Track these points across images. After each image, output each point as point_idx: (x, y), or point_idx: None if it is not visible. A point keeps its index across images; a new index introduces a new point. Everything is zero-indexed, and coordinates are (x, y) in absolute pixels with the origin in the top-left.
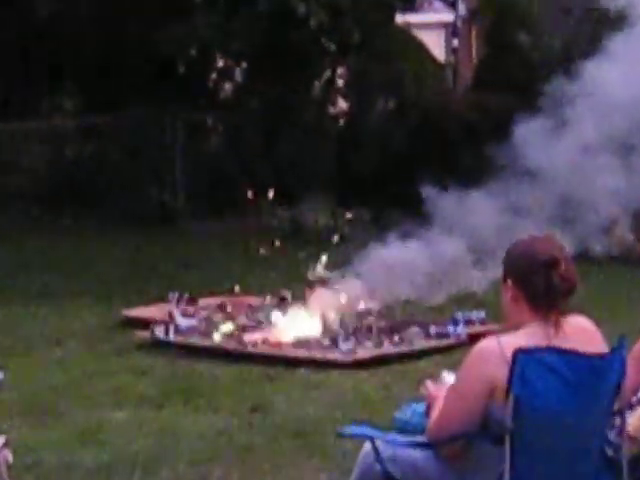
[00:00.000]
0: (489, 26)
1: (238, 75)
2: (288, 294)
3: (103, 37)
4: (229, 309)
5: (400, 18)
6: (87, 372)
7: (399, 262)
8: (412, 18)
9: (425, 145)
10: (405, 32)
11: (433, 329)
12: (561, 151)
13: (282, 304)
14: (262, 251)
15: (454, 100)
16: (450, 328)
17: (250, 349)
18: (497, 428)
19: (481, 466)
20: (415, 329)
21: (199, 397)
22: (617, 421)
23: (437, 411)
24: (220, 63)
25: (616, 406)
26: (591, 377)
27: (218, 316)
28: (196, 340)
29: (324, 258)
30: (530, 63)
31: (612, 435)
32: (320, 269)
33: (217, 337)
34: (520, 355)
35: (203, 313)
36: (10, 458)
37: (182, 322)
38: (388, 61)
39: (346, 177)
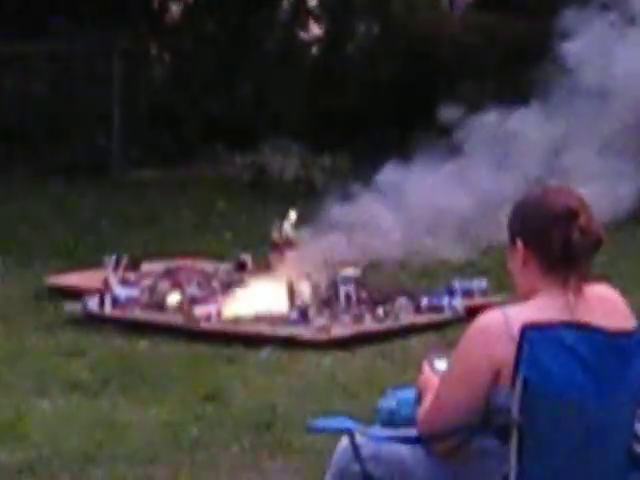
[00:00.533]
0: None
1: None
2: (248, 258)
3: None
4: (177, 276)
5: None
6: (4, 352)
7: (385, 218)
8: None
9: (416, 77)
10: None
11: (424, 301)
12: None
13: (241, 270)
14: (217, 206)
15: (451, 22)
16: (445, 300)
17: (203, 325)
18: (502, 419)
19: (482, 465)
20: (403, 301)
21: (141, 383)
22: None
23: (430, 399)
24: None
25: None
26: (615, 358)
27: (164, 285)
28: (137, 314)
29: (292, 214)
30: None
31: None
32: (287, 228)
33: (163, 310)
34: (530, 331)
35: (146, 281)
36: None
37: (120, 292)
38: None
39: (319, 116)
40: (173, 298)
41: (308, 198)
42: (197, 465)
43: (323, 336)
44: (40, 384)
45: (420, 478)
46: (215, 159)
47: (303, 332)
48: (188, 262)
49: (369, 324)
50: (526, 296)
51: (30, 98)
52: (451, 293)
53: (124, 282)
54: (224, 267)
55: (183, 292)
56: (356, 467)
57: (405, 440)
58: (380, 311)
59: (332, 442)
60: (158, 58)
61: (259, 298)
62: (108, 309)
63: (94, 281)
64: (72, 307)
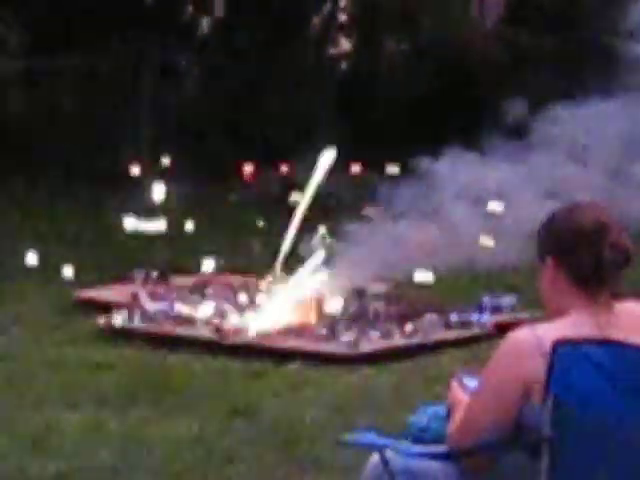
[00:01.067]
0: None
1: (218, 8)
2: (277, 273)
3: None
4: (207, 291)
5: None
6: (34, 366)
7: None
8: None
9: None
10: None
11: (454, 317)
12: None
13: (270, 285)
14: (247, 220)
15: (481, 37)
16: (474, 316)
17: (232, 340)
18: (532, 436)
19: None
20: (432, 316)
21: (170, 397)
22: None
23: (460, 415)
24: None
25: None
26: None
27: (193, 299)
28: (167, 328)
29: (322, 229)
30: None
31: None
32: (317, 242)
33: (192, 324)
34: (561, 348)
35: (175, 295)
36: None
37: (150, 306)
38: None
39: (350, 131)
40: (202, 312)
41: (338, 213)
42: (226, 479)
43: (352, 351)
44: (70, 397)
45: None
46: (244, 175)
47: (332, 347)
48: (218, 276)
49: (398, 340)
50: (556, 313)
51: (59, 113)
52: (480, 309)
53: (153, 296)
54: (253, 281)
55: (213, 306)
56: None
57: (436, 456)
58: (409, 327)
59: (362, 458)
60: (188, 72)
61: (288, 313)
62: (137, 323)
63: (124, 295)
64: (102, 321)
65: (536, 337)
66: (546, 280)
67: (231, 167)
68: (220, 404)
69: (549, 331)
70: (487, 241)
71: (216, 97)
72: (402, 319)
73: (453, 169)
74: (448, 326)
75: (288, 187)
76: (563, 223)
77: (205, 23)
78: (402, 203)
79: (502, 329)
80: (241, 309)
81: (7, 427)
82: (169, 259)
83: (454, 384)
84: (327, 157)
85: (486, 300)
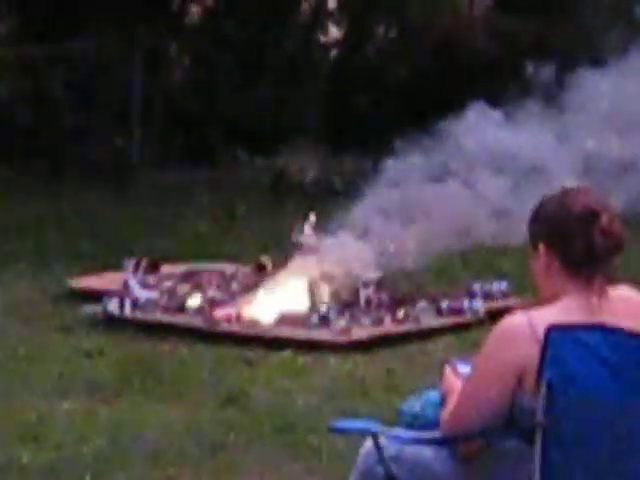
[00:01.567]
0: None
1: None
2: (268, 261)
3: None
4: (197, 279)
5: None
6: (26, 354)
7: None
8: None
9: (435, 80)
10: None
11: (445, 304)
12: None
13: (261, 273)
14: (237, 208)
15: (471, 25)
16: (465, 303)
17: (223, 327)
18: (526, 421)
19: (506, 467)
20: (423, 303)
21: (162, 385)
22: None
23: (454, 401)
24: None
25: None
26: None
27: (184, 287)
28: (157, 316)
29: (312, 217)
30: None
31: None
32: (307, 230)
33: (183, 312)
34: (554, 333)
35: (166, 283)
36: None
37: (141, 294)
38: None
39: (339, 119)
40: (193, 300)
41: (328, 200)
42: (218, 467)
43: (344, 338)
44: (61, 386)
45: (444, 479)
46: (235, 161)
47: (324, 334)
48: (208, 264)
49: (389, 327)
50: (549, 299)
51: (48, 98)
52: (472, 295)
53: (144, 284)
54: (244, 269)
55: (203, 294)
56: (380, 469)
57: (429, 442)
58: (400, 314)
59: (354, 444)
60: (177, 60)
61: (279, 300)
62: (128, 311)
63: (114, 283)
64: (92, 309)
65: (529, 322)
66: (538, 266)
67: (221, 153)
68: (212, 392)
69: (542, 316)
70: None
71: (205, 84)
72: (393, 306)
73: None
74: (440, 313)
75: (278, 174)
76: (554, 209)
77: (194, 10)
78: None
79: (494, 315)
80: (232, 297)
81: None
82: (161, 247)
83: (447, 370)
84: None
85: (477, 286)
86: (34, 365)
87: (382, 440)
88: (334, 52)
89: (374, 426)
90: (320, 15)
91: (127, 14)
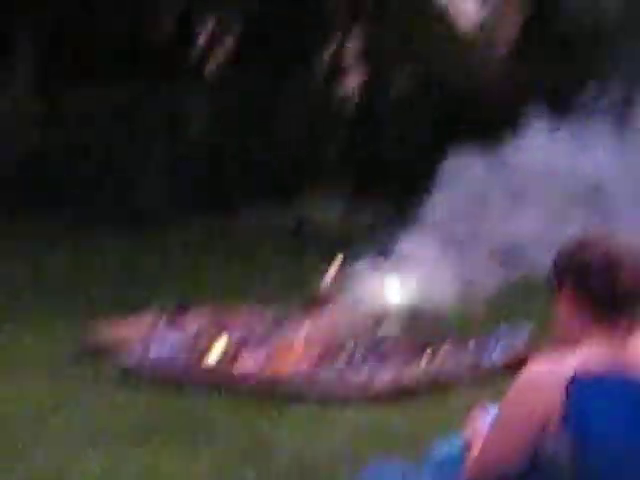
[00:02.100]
0: None
1: (226, 51)
2: (290, 308)
3: None
4: (221, 325)
5: None
6: (50, 405)
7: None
8: None
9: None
10: None
11: (467, 353)
12: None
13: (283, 320)
14: (260, 255)
15: (489, 72)
16: (487, 351)
17: (244, 379)
18: (551, 468)
19: None
20: (445, 351)
21: (185, 436)
22: None
23: (479, 447)
24: (205, 33)
25: None
26: None
27: (206, 336)
28: (179, 368)
29: (336, 264)
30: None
31: None
32: (329, 278)
33: (207, 361)
34: (579, 380)
35: (190, 330)
36: None
37: (165, 342)
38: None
39: (361, 166)
40: (215, 351)
41: (350, 247)
42: None
43: (365, 390)
44: (85, 437)
45: None
46: (258, 209)
47: (345, 385)
48: (231, 311)
49: (411, 376)
50: (572, 344)
51: (74, 148)
52: (493, 344)
53: (169, 331)
54: (267, 316)
55: (225, 344)
56: None
57: None
58: (421, 364)
59: None
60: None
61: (302, 348)
62: (150, 363)
63: (139, 331)
64: (116, 360)
65: (553, 369)
66: (562, 311)
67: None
68: (235, 442)
69: (566, 363)
70: None
71: (226, 134)
72: (414, 356)
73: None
74: (461, 362)
75: (300, 221)
76: (578, 253)
77: (214, 63)
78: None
79: (517, 363)
80: (256, 344)
81: (24, 467)
82: (185, 292)
83: (474, 415)
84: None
85: (499, 335)
86: (59, 416)
87: None
88: (354, 100)
89: (404, 467)
90: (337, 67)
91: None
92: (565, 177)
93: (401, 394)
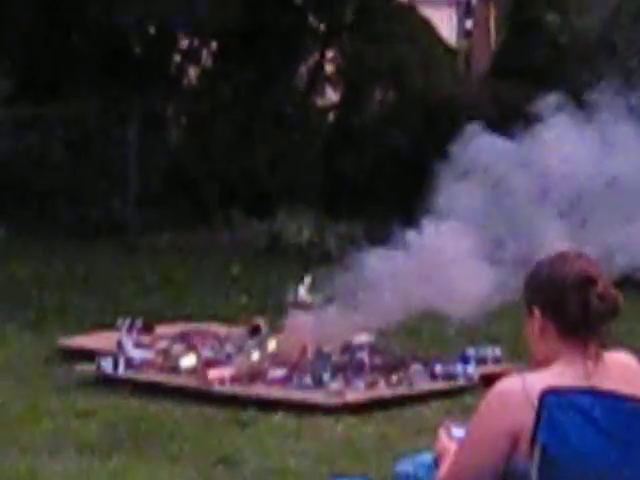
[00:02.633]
0: (510, 4)
1: (205, 58)
2: (263, 323)
3: (41, 6)
4: (191, 340)
5: None
6: (18, 413)
7: (399, 284)
8: None
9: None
10: (408, 9)
11: (439, 368)
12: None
13: (255, 334)
14: (232, 270)
15: (467, 91)
16: (459, 367)
17: (216, 388)
18: None
19: None
20: (417, 367)
21: (154, 445)
22: None
23: (448, 464)
24: (184, 43)
25: None
26: (636, 426)
27: (178, 348)
28: (151, 376)
29: (307, 279)
30: (559, 48)
31: None
32: (302, 292)
33: (177, 373)
34: (548, 397)
35: (160, 344)
36: None
37: (134, 354)
38: (388, 43)
39: (335, 183)
40: (187, 361)
41: (323, 264)
42: None
43: (337, 401)
44: (53, 445)
45: None
46: (231, 224)
47: (317, 397)
48: (202, 326)
49: (383, 390)
50: (543, 364)
51: (46, 161)
52: (465, 360)
53: (138, 344)
54: (238, 331)
55: (197, 355)
56: None
57: None
58: (394, 377)
59: None
60: (175, 122)
61: (273, 362)
62: (121, 371)
63: (108, 343)
64: (85, 368)
65: (524, 386)
66: (533, 331)
67: (217, 215)
68: (204, 453)
69: (537, 381)
70: None
71: (202, 146)
72: (387, 369)
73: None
74: (433, 377)
75: (273, 237)
76: (549, 274)
77: (192, 73)
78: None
79: (487, 380)
80: (226, 358)
81: None
82: (155, 307)
83: (441, 433)
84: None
85: (470, 351)
86: (25, 425)
87: None
88: (331, 116)
89: None
90: (317, 78)
91: (126, 75)
92: (585, 174)
93: (374, 405)
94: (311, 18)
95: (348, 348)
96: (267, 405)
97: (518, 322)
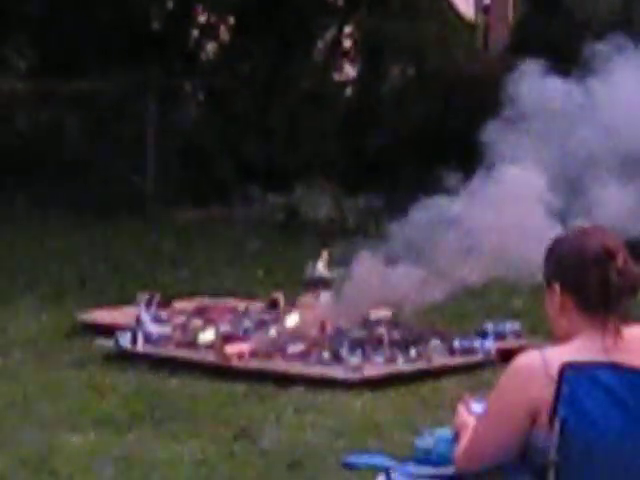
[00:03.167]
0: None
1: (223, 33)
2: (281, 297)
3: None
4: (210, 314)
5: None
6: (36, 388)
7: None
8: None
9: (450, 120)
10: None
11: (457, 343)
12: None
13: (274, 309)
14: (250, 246)
15: (485, 66)
16: (477, 342)
17: (235, 363)
18: (539, 459)
19: None
20: (435, 342)
21: (172, 420)
22: None
23: (467, 438)
24: (202, 18)
25: None
26: None
27: (196, 322)
28: (169, 351)
29: (325, 254)
30: (577, 23)
31: None
32: (320, 268)
33: (195, 348)
34: (568, 371)
35: (178, 319)
36: None
37: (153, 329)
38: (405, 19)
39: (353, 157)
40: (205, 336)
41: (341, 238)
42: None
43: (356, 376)
44: (72, 419)
45: None
46: (248, 199)
47: (336, 372)
48: (220, 301)
49: (402, 365)
50: (563, 339)
51: (64, 135)
52: (484, 335)
53: (156, 319)
54: (256, 306)
55: (216, 330)
56: None
57: (442, 477)
58: (412, 352)
59: None
60: (193, 97)
61: (292, 337)
62: (140, 346)
63: (126, 318)
64: (104, 343)
65: (543, 361)
66: (553, 305)
67: (235, 190)
68: (222, 427)
69: (556, 355)
70: None
71: (219, 122)
72: (405, 344)
73: None
74: (452, 352)
75: (291, 211)
76: (569, 249)
77: (210, 48)
78: None
79: (505, 355)
80: (245, 333)
81: (10, 449)
82: (174, 282)
83: (461, 407)
84: None
85: (489, 326)
86: (45, 398)
87: (394, 476)
88: (349, 90)
89: (386, 461)
90: (335, 53)
91: (144, 51)
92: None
93: (393, 380)
94: None
95: (366, 323)
96: (286, 380)
97: (537, 297)
